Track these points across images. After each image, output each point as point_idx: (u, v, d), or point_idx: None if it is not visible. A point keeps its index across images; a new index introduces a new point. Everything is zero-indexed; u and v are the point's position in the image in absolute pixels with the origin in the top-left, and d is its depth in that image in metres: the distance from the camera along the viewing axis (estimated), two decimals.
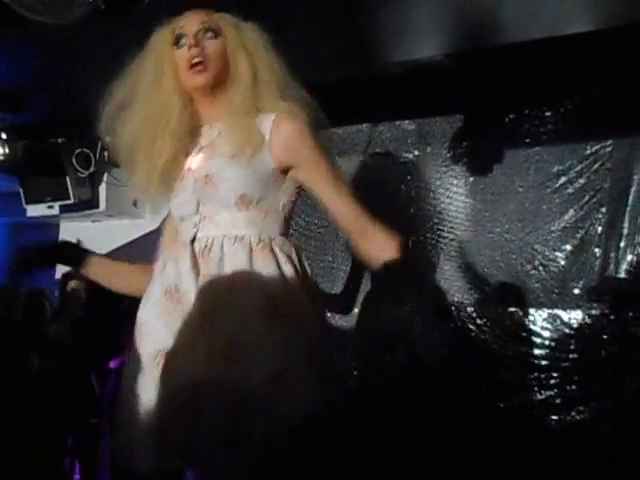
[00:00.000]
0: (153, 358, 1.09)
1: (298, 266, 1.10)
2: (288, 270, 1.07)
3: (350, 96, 2.64)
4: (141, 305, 1.16)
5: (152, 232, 3.44)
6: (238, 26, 1.15)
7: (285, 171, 1.12)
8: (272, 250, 1.07)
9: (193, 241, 1.09)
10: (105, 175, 3.12)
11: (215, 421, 1.01)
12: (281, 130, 1.10)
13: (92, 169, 3.01)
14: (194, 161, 1.12)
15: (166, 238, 1.26)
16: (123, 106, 1.16)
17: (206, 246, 1.07)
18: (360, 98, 2.59)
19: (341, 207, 1.11)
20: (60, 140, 3.01)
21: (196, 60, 1.07)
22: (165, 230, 1.28)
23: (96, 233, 3.38)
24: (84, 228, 3.41)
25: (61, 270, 3.47)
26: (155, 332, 1.10)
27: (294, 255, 1.11)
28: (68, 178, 3.02)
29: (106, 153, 3.01)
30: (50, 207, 3.14)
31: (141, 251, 3.75)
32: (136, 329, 1.14)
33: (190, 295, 1.06)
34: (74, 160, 2.99)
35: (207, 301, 1.04)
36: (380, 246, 1.10)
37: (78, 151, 2.98)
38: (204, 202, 1.09)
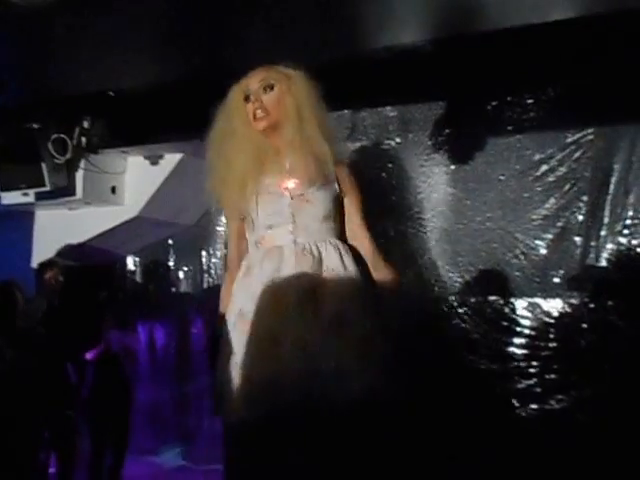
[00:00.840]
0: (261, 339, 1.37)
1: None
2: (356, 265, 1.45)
3: (332, 82, 2.58)
4: (238, 298, 1.44)
5: (132, 219, 3.39)
6: (289, 77, 1.50)
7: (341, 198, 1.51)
8: (347, 251, 1.45)
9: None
10: (82, 161, 3.03)
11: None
12: (342, 168, 1.51)
13: (69, 155, 2.91)
14: (287, 182, 1.45)
15: (236, 243, 1.56)
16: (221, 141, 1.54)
17: (304, 248, 1.41)
18: (342, 84, 2.54)
19: (361, 233, 1.52)
20: (35, 125, 2.92)
21: (257, 113, 1.44)
22: (235, 237, 1.56)
23: (73, 221, 3.30)
24: (61, 216, 3.33)
25: (37, 259, 3.41)
26: (263, 318, 1.39)
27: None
28: (44, 164, 2.93)
29: (83, 139, 2.95)
30: (25, 194, 3.05)
31: (121, 239, 3.70)
32: (239, 316, 1.42)
33: (292, 286, 1.37)
34: (50, 146, 2.89)
35: (311, 287, 1.37)
36: (382, 277, 1.49)
37: (54, 137, 2.88)
38: (298, 215, 1.44)
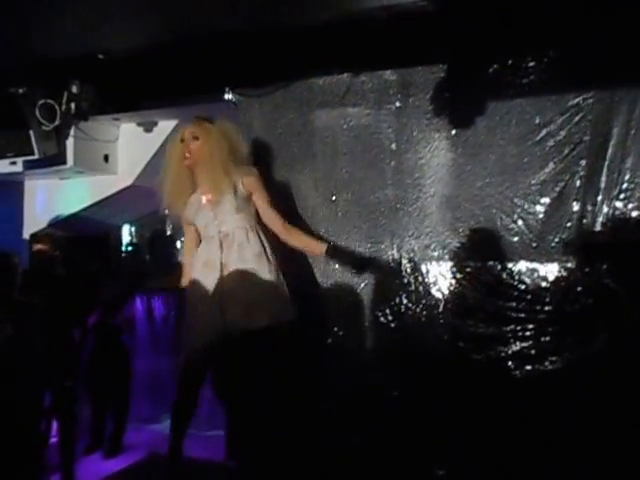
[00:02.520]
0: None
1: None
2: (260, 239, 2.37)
3: (331, 44, 2.55)
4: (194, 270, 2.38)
5: (127, 188, 3.33)
6: (210, 132, 2.33)
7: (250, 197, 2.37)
8: (253, 229, 2.35)
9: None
10: (72, 129, 2.95)
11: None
12: (249, 177, 2.35)
13: (57, 122, 2.83)
14: (206, 195, 2.34)
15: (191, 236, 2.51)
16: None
17: (226, 234, 2.31)
18: (341, 46, 2.50)
19: (270, 214, 2.37)
20: (21, 90, 2.82)
21: (186, 154, 2.33)
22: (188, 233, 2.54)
23: (64, 191, 3.24)
24: (51, 185, 3.25)
25: (28, 230, 3.35)
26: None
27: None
28: (31, 132, 2.85)
29: (72, 105, 2.85)
30: (13, 163, 2.97)
31: (115, 209, 3.64)
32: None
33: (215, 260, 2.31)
34: (37, 112, 2.80)
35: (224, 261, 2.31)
36: (294, 240, 2.40)
37: (41, 102, 2.79)
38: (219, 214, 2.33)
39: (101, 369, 3.34)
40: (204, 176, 2.29)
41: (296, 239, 2.35)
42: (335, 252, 2.43)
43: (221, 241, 2.26)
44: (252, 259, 2.24)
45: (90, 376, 3.33)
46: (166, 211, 2.48)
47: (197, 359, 2.28)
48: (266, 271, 2.25)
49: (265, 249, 2.30)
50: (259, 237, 2.31)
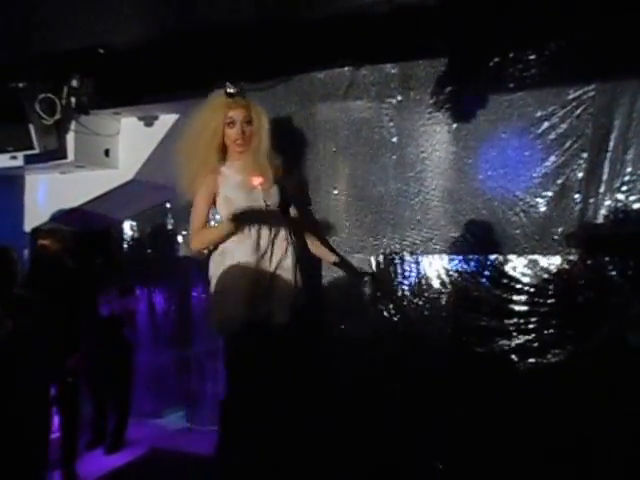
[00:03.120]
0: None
1: None
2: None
3: (332, 37, 2.54)
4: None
5: (128, 183, 3.32)
6: (259, 114, 2.23)
7: None
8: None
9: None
10: (73, 123, 2.94)
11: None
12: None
13: (58, 116, 2.82)
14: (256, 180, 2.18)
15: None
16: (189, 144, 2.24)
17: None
18: (342, 39, 2.49)
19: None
20: (21, 84, 2.80)
21: (239, 142, 2.19)
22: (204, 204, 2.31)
23: (65, 185, 3.23)
24: (52, 180, 3.25)
25: (29, 224, 3.34)
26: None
27: None
28: (31, 126, 2.84)
29: (72, 99, 2.84)
30: (13, 157, 2.96)
31: (116, 203, 3.63)
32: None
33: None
34: (37, 106, 2.79)
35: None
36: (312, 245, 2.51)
37: (42, 96, 2.78)
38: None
39: (103, 364, 3.34)
40: (256, 164, 2.17)
41: (316, 246, 2.43)
42: (340, 263, 2.52)
43: (271, 231, 2.17)
44: (293, 256, 2.22)
45: (92, 371, 3.33)
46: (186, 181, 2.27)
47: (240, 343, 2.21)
48: (297, 273, 2.25)
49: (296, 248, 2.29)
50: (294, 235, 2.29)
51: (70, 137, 2.98)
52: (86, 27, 2.51)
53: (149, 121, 3.12)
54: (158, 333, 3.81)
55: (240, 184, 2.16)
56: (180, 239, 3.81)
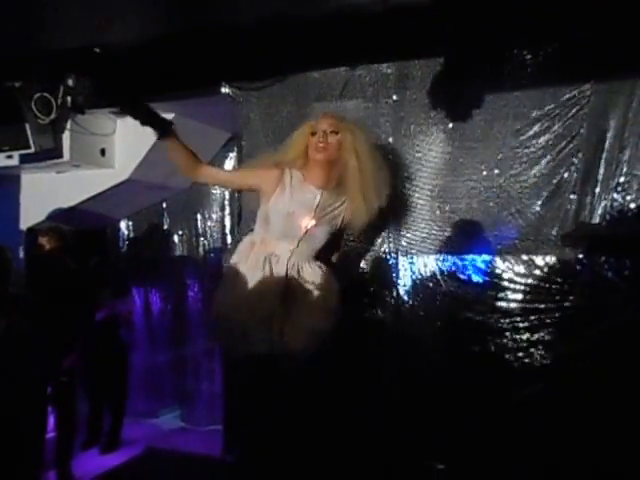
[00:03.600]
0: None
1: None
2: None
3: (328, 37, 2.54)
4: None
5: (123, 182, 3.32)
6: (353, 131, 1.97)
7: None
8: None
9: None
10: (69, 122, 2.93)
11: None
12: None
13: (54, 115, 2.81)
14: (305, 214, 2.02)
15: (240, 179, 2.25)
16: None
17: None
18: (338, 39, 2.49)
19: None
20: (17, 84, 2.80)
21: (320, 145, 1.95)
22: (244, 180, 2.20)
23: (61, 185, 3.22)
24: (48, 179, 3.24)
25: (25, 224, 3.33)
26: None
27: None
28: (27, 125, 2.83)
29: (68, 98, 2.84)
30: (9, 157, 2.95)
31: (112, 203, 3.63)
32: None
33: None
34: (33, 105, 2.78)
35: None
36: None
37: (37, 95, 2.77)
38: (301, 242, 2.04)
39: (98, 364, 3.34)
40: (327, 185, 1.99)
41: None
42: None
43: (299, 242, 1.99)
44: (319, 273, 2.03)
45: (87, 371, 3.32)
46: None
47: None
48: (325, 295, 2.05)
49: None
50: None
51: (66, 136, 2.97)
52: (82, 26, 2.50)
53: None
54: (154, 333, 3.81)
55: (289, 179, 1.98)
56: (176, 239, 3.81)
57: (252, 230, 2.19)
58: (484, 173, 2.47)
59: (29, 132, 2.85)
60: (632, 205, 2.30)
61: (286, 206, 1.97)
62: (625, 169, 2.31)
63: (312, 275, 2.00)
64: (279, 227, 1.99)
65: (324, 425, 2.47)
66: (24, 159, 2.98)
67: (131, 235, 3.87)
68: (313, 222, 1.98)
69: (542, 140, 2.39)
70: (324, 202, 1.99)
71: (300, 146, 2.00)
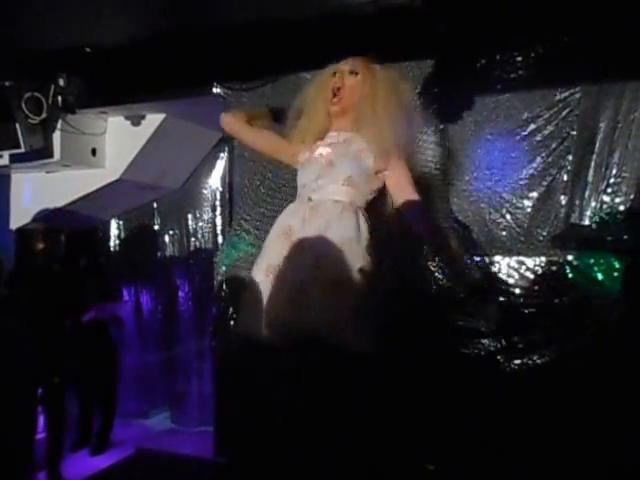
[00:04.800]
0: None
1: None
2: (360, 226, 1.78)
3: (319, 38, 2.54)
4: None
5: (114, 182, 3.30)
6: (375, 72, 1.86)
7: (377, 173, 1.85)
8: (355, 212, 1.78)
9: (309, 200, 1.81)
10: (59, 122, 2.92)
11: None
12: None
13: (44, 115, 2.81)
14: (324, 150, 1.85)
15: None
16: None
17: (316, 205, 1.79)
18: (329, 40, 2.49)
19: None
20: (7, 83, 2.79)
21: (334, 100, 1.84)
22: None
23: (51, 184, 3.21)
24: (38, 179, 3.22)
25: (14, 224, 3.32)
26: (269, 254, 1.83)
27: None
28: (18, 125, 2.81)
29: (59, 98, 2.83)
30: None
31: (102, 203, 3.62)
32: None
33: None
34: (24, 105, 2.77)
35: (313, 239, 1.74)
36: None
37: (28, 95, 2.76)
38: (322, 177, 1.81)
39: (88, 365, 3.32)
40: (352, 124, 1.82)
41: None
42: None
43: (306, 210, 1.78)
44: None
45: (77, 372, 3.30)
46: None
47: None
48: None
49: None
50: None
51: (56, 136, 2.95)
52: (73, 26, 2.50)
53: (136, 120, 3.10)
54: (144, 333, 3.79)
55: (309, 153, 1.84)
56: (167, 239, 3.80)
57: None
58: (475, 174, 2.48)
59: (19, 132, 2.83)
60: (621, 207, 2.31)
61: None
62: (614, 171, 2.33)
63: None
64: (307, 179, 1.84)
65: (317, 424, 2.47)
66: (14, 159, 2.96)
67: (122, 235, 3.86)
68: (328, 149, 1.81)
69: (533, 142, 2.41)
70: (347, 141, 1.82)
71: (319, 104, 1.85)
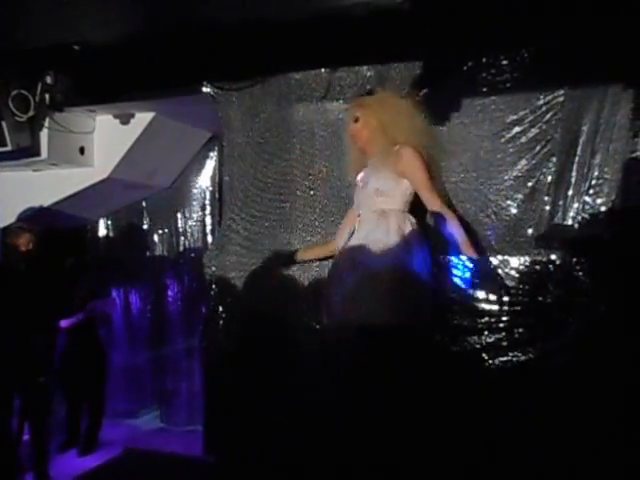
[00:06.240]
0: None
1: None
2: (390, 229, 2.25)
3: (309, 39, 2.56)
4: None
5: (102, 181, 3.28)
6: (369, 107, 2.34)
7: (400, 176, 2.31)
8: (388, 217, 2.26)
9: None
10: (47, 120, 2.90)
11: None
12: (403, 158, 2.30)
13: (31, 113, 2.78)
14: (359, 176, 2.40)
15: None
16: None
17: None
18: (319, 41, 2.51)
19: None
20: None
21: (352, 134, 2.37)
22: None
23: (38, 183, 3.18)
24: (24, 178, 3.19)
25: (1, 222, 3.27)
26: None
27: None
28: (4, 123, 2.78)
29: (46, 95, 2.80)
30: None
31: (90, 202, 3.59)
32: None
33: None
34: (10, 103, 2.75)
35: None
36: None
37: (15, 93, 2.74)
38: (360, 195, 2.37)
39: (76, 365, 3.30)
40: (371, 156, 2.32)
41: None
42: None
43: (377, 225, 2.23)
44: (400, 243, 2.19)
45: (65, 372, 3.28)
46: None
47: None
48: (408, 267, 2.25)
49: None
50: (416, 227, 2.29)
51: (44, 134, 2.92)
52: (61, 23, 2.48)
53: (125, 119, 3.08)
54: (133, 333, 3.78)
55: (357, 183, 2.37)
56: (156, 238, 3.79)
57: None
58: (462, 175, 2.52)
59: (6, 129, 2.80)
60: (602, 208, 2.37)
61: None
62: (596, 173, 2.38)
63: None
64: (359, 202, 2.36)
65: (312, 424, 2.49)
66: (0, 157, 2.93)
67: (110, 234, 3.84)
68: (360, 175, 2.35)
69: (518, 144, 2.45)
70: (372, 164, 2.32)
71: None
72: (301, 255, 2.59)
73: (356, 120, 2.31)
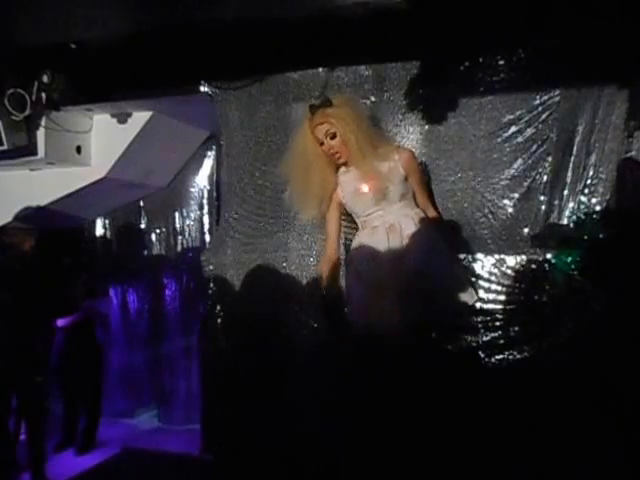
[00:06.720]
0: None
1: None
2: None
3: (307, 38, 2.57)
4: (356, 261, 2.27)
5: (99, 181, 3.28)
6: (341, 117, 2.13)
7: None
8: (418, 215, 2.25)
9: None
10: (44, 119, 2.89)
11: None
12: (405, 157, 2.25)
13: (28, 112, 2.77)
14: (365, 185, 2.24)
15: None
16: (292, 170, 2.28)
17: (391, 224, 2.20)
18: (317, 41, 2.52)
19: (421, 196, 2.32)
20: None
21: (335, 156, 2.19)
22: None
23: (35, 183, 3.17)
24: (21, 177, 3.18)
25: None
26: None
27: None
28: (0, 122, 2.78)
29: (43, 94, 2.79)
30: None
31: (87, 201, 3.58)
32: (357, 274, 2.25)
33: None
34: (6, 102, 2.73)
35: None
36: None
37: (11, 92, 2.72)
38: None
39: (73, 364, 3.30)
40: (359, 164, 2.16)
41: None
42: None
43: (387, 232, 2.17)
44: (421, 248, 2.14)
45: (62, 371, 3.28)
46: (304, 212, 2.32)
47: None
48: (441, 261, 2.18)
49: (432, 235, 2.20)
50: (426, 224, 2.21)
51: (40, 133, 2.91)
52: (58, 22, 2.47)
53: (122, 118, 3.08)
54: (130, 332, 3.78)
55: (354, 192, 2.21)
56: (153, 237, 3.78)
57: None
58: (459, 175, 2.53)
59: (2, 129, 2.79)
60: (597, 207, 2.40)
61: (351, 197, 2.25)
62: (591, 172, 2.41)
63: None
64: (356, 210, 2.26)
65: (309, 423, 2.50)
66: None
67: (108, 234, 3.83)
68: (368, 185, 2.20)
69: (514, 143, 2.47)
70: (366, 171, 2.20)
71: (321, 159, 2.18)
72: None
73: (333, 137, 2.13)
